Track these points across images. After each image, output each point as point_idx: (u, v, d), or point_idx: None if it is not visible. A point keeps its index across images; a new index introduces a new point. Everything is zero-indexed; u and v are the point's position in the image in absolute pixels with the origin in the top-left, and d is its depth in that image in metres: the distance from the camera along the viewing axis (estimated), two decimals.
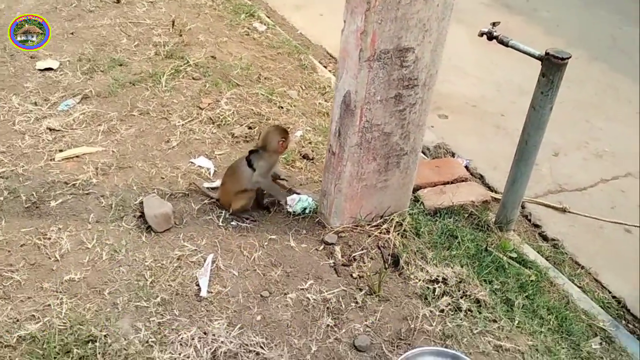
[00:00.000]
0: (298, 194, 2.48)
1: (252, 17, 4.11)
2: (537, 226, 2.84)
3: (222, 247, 2.23)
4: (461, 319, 2.04)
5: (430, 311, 2.05)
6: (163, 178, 2.55)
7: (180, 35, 3.62)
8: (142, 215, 2.28)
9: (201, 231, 2.29)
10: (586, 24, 4.65)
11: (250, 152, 2.32)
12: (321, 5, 4.58)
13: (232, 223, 2.34)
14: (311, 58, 3.76)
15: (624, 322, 2.41)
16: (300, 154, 2.79)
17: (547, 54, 2.24)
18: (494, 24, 2.44)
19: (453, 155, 3.17)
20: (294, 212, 2.41)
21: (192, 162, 2.66)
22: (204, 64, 3.39)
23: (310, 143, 2.88)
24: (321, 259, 2.22)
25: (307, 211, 2.42)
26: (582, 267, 2.63)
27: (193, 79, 3.26)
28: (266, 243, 2.27)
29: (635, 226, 2.86)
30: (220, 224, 2.33)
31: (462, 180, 2.78)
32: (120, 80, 3.14)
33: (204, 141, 2.80)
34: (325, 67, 3.81)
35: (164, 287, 2.05)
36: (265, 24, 4.07)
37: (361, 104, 2.00)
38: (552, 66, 2.23)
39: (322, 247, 2.27)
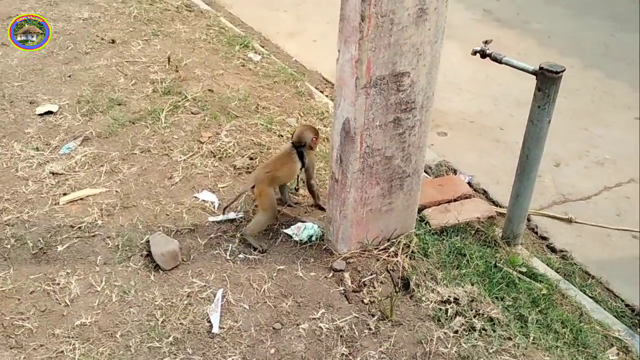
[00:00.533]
0: (303, 222, 2.48)
1: (246, 47, 4.15)
2: (544, 238, 2.84)
3: (231, 281, 2.23)
4: (476, 339, 2.03)
5: (445, 333, 2.04)
6: (168, 215, 2.55)
7: (177, 71, 3.66)
8: (150, 254, 2.28)
9: (209, 266, 2.29)
10: (578, 32, 4.69)
11: (294, 145, 2.45)
12: (314, 32, 4.63)
13: (239, 256, 2.34)
14: (307, 84, 3.79)
15: (639, 330, 2.39)
16: (304, 181, 2.79)
17: (541, 68, 2.26)
18: (486, 42, 2.46)
19: (455, 172, 3.18)
20: (300, 240, 2.41)
21: (196, 197, 2.66)
22: (201, 97, 3.42)
23: None
24: (331, 287, 2.22)
25: (313, 239, 2.42)
26: (593, 277, 2.62)
27: (192, 113, 3.28)
28: (275, 274, 2.26)
29: None
30: (228, 257, 2.33)
31: (466, 197, 2.78)
32: (119, 120, 3.16)
33: (206, 175, 2.82)
34: (322, 92, 3.85)
35: (175, 325, 2.04)
36: (260, 54, 4.11)
37: (361, 130, 2.01)
38: (547, 80, 2.25)
39: (331, 275, 2.27)
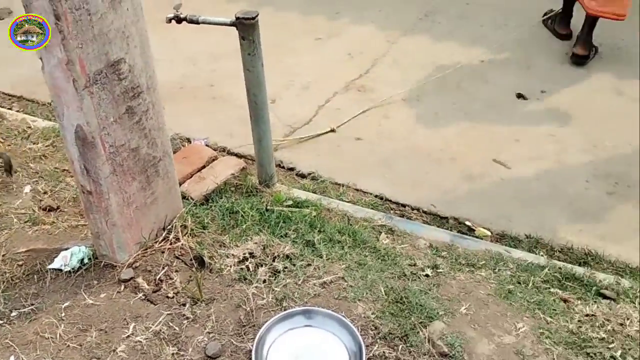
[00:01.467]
0: (67, 248, 2.26)
1: None
2: (291, 169, 3.07)
3: (17, 343, 1.95)
4: (283, 279, 2.16)
5: (256, 287, 2.12)
6: None
7: None
8: None
9: None
10: None
11: None
12: None
13: (12, 314, 2.05)
14: None
15: (391, 212, 2.81)
16: (43, 209, 2.51)
17: (237, 18, 2.36)
18: (176, 7, 2.46)
19: (189, 140, 3.19)
20: (72, 269, 2.20)
21: None
22: None
23: (46, 193, 2.60)
24: (129, 298, 2.10)
25: (86, 261, 2.23)
26: (342, 185, 2.95)
27: None
28: (63, 314, 2.04)
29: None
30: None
31: (213, 160, 2.83)
32: None
33: None
34: (10, 109, 3.42)
35: None
36: None
37: (98, 132, 1.88)
38: (247, 27, 2.37)
39: (123, 287, 2.14)
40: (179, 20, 2.45)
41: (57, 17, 1.65)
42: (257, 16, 2.37)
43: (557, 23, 4.07)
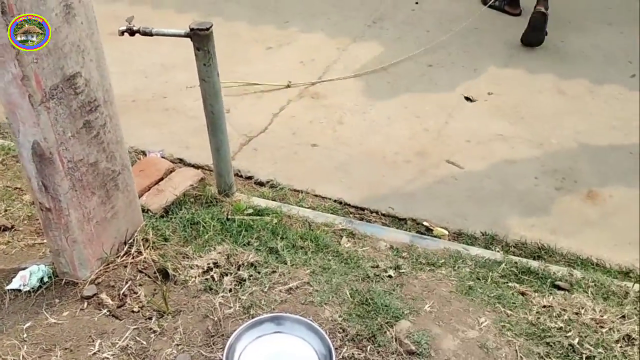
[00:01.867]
0: (25, 268, 2.20)
1: None
2: (249, 178, 3.08)
3: None
4: (249, 287, 2.16)
5: (222, 296, 2.12)
6: None
7: None
8: None
9: None
10: None
11: None
12: None
13: None
14: None
15: (351, 215, 2.85)
16: None
17: (192, 29, 2.36)
18: (128, 20, 2.44)
19: (144, 153, 3.15)
20: (32, 288, 2.15)
21: None
22: None
23: None
24: (93, 315, 2.07)
25: (45, 280, 2.18)
26: (301, 192, 2.98)
27: None
28: (25, 335, 1.99)
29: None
30: None
31: (171, 172, 2.81)
32: None
33: None
34: None
35: None
36: None
37: (56, 147, 1.85)
38: (202, 38, 2.37)
39: (86, 304, 2.10)
40: (131, 32, 2.42)
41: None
42: (211, 27, 2.38)
43: (508, 3, 4.46)
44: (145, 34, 2.45)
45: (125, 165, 2.20)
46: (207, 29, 2.37)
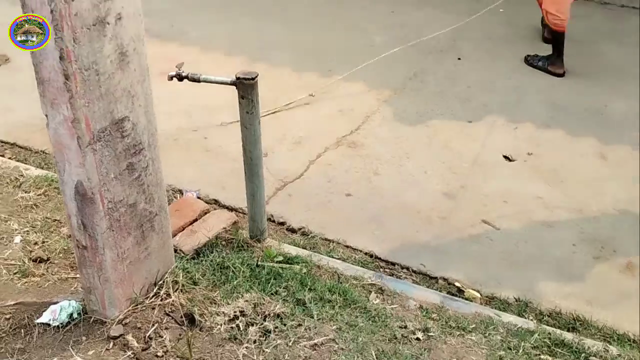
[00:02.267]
0: (56, 302, 2.23)
1: None
2: (282, 224, 3.09)
3: None
4: (274, 339, 2.15)
5: (246, 347, 2.10)
6: None
7: None
8: None
9: None
10: (233, 32, 5.03)
11: None
12: None
13: None
14: None
15: (381, 270, 2.83)
16: (33, 260, 2.49)
17: (238, 78, 2.42)
18: (178, 66, 2.52)
19: (181, 192, 3.20)
20: (61, 324, 2.17)
21: None
22: None
23: (36, 244, 2.58)
24: (118, 356, 2.07)
25: (75, 316, 2.20)
26: (332, 241, 2.97)
27: None
28: None
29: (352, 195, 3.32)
30: None
31: (206, 213, 2.84)
32: None
33: None
34: (2, 156, 3.42)
35: None
36: None
37: (98, 188, 1.90)
38: (247, 87, 2.43)
39: (111, 344, 2.11)
40: (180, 78, 2.50)
41: (66, 76, 1.69)
42: (256, 77, 2.44)
43: (551, 63, 4.47)
44: (193, 80, 2.52)
45: (163, 207, 2.23)
46: (253, 79, 2.42)
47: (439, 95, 4.25)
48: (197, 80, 2.49)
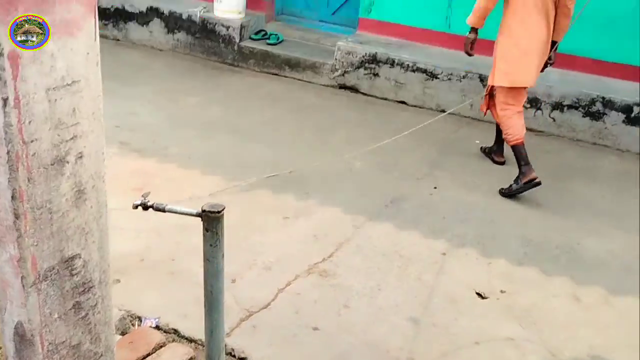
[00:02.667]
0: None
1: None
2: (243, 359, 2.95)
3: None
4: None
5: None
6: None
7: None
8: None
9: None
10: (212, 150, 5.09)
11: None
12: None
13: None
14: None
15: None
16: None
17: (204, 211, 2.39)
18: (144, 195, 2.50)
19: (140, 319, 3.07)
20: None
21: None
22: None
23: None
24: None
25: None
26: None
27: None
28: None
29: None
30: None
31: (161, 346, 2.71)
32: None
33: None
34: None
35: None
36: None
37: (39, 329, 1.79)
38: (212, 220, 2.39)
39: None
40: (145, 207, 2.46)
41: (16, 216, 1.64)
42: (223, 210, 2.41)
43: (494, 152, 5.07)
44: (158, 210, 2.48)
45: (109, 347, 2.11)
46: (219, 212, 2.39)
47: (413, 224, 4.25)
48: (162, 210, 2.45)
